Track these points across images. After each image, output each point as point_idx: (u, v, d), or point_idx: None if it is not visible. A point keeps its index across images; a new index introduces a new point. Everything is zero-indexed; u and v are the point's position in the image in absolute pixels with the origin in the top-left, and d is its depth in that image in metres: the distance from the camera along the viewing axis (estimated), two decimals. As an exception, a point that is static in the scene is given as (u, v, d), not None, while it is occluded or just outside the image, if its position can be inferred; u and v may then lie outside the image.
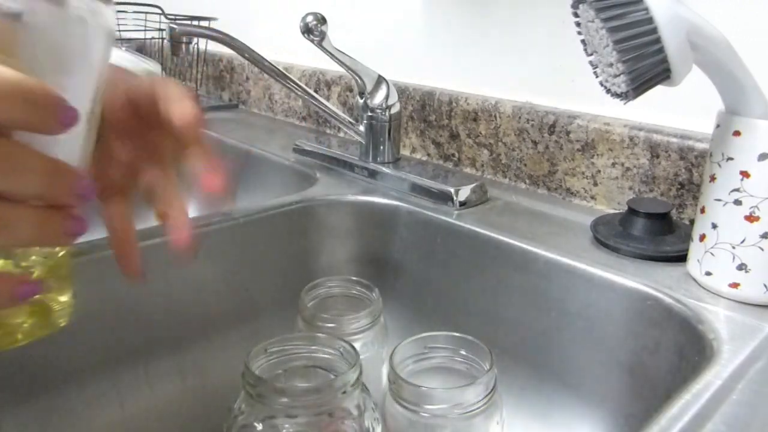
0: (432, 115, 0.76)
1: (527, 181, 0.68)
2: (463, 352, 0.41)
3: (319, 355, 0.37)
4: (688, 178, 0.55)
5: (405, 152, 0.80)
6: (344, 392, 0.33)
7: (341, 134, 0.92)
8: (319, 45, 0.64)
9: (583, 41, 0.42)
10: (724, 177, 0.42)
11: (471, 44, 0.73)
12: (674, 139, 0.55)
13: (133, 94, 0.34)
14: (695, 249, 0.46)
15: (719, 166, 0.43)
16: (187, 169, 0.33)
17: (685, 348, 0.42)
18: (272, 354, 0.36)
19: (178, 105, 0.32)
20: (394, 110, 0.70)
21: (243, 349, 0.35)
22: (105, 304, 0.50)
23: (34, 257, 0.27)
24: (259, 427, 0.32)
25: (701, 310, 0.42)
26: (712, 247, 0.44)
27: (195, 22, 1.01)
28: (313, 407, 0.31)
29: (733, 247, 0.42)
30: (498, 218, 0.58)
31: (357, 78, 0.68)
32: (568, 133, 0.62)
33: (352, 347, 0.36)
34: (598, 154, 0.60)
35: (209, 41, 0.67)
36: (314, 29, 0.63)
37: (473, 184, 0.63)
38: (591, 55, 0.42)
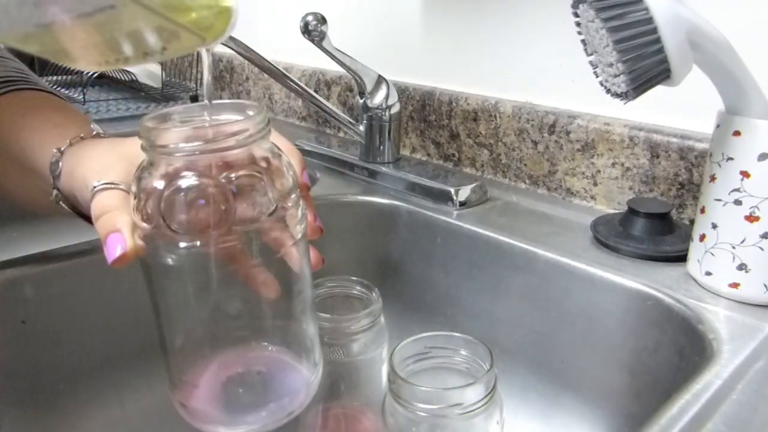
0: (432, 115, 0.76)
1: (527, 181, 0.68)
2: (463, 352, 0.41)
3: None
4: (688, 178, 0.55)
5: (405, 152, 0.80)
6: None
7: (341, 134, 0.92)
8: (319, 45, 0.64)
9: (583, 41, 0.42)
10: (724, 177, 0.42)
11: (471, 44, 0.73)
12: (674, 139, 0.55)
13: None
14: (695, 249, 0.46)
15: (719, 166, 0.43)
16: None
17: (685, 348, 0.42)
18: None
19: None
20: (394, 110, 0.70)
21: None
22: (105, 304, 0.50)
23: None
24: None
25: (701, 310, 0.42)
26: (712, 247, 0.44)
27: (195, 22, 1.01)
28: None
29: (733, 247, 0.42)
30: (498, 218, 0.58)
31: (357, 78, 0.68)
32: (568, 133, 0.62)
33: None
34: (598, 154, 0.60)
35: (209, 41, 0.67)
36: (314, 29, 0.63)
37: (473, 184, 0.62)
38: (591, 55, 0.42)
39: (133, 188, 0.29)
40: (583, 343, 0.50)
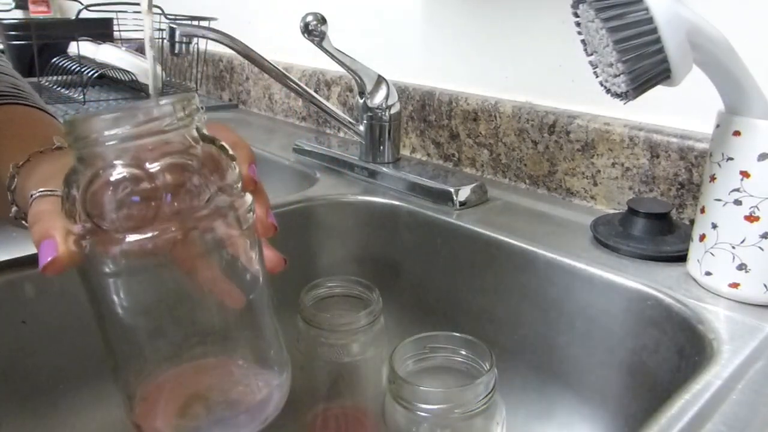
0: (432, 115, 0.76)
1: (527, 181, 0.68)
2: (463, 352, 0.41)
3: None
4: (688, 178, 0.55)
5: (405, 152, 0.80)
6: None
7: (341, 134, 0.92)
8: (319, 45, 0.64)
9: (583, 41, 0.42)
10: (724, 177, 0.42)
11: (471, 44, 0.73)
12: (674, 139, 0.55)
13: None
14: (695, 249, 0.46)
15: (719, 166, 0.43)
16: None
17: (685, 348, 0.42)
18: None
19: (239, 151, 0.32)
20: (394, 110, 0.70)
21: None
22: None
23: None
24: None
25: (701, 310, 0.42)
26: (712, 247, 0.44)
27: (195, 22, 1.01)
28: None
29: (733, 247, 0.42)
30: (498, 218, 0.58)
31: (357, 78, 0.68)
32: (568, 133, 0.62)
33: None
34: (598, 154, 0.60)
35: (209, 41, 0.67)
36: (314, 29, 0.63)
37: (473, 184, 0.63)
38: (591, 55, 0.42)
39: (63, 191, 0.27)
40: (583, 343, 0.50)
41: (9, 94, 0.46)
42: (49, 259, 0.28)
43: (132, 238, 0.26)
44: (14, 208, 0.38)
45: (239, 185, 0.29)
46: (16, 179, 0.37)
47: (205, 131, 0.29)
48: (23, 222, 0.38)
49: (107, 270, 0.27)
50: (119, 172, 0.26)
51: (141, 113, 0.26)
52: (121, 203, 0.26)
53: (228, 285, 0.30)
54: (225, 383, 0.31)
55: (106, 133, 0.26)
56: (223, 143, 0.30)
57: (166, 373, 0.30)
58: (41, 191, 0.32)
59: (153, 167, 0.26)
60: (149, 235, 0.26)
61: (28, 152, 0.38)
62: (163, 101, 0.27)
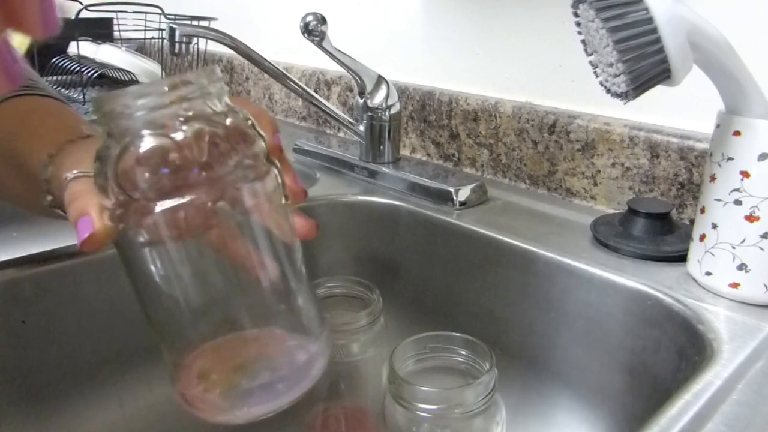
0: (432, 115, 0.76)
1: (527, 181, 0.68)
2: (463, 352, 0.41)
3: None
4: (688, 178, 0.55)
5: (405, 152, 0.80)
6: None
7: (341, 134, 0.92)
8: (319, 45, 0.64)
9: (583, 41, 0.42)
10: (724, 177, 0.42)
11: (471, 44, 0.73)
12: (674, 139, 0.55)
13: None
14: (695, 249, 0.46)
15: (719, 166, 0.43)
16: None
17: (685, 348, 0.42)
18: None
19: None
20: (394, 110, 0.70)
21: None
22: (105, 304, 0.50)
23: None
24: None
25: (701, 310, 0.42)
26: (712, 247, 0.44)
27: (195, 22, 1.01)
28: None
29: (733, 247, 0.42)
30: (498, 218, 0.58)
31: (357, 78, 0.68)
32: (568, 133, 0.62)
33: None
34: (598, 154, 0.60)
35: (209, 41, 0.67)
36: (314, 29, 0.63)
37: (473, 184, 0.63)
38: (591, 55, 0.42)
39: (94, 167, 0.28)
40: (583, 343, 0.50)
41: (26, 85, 0.46)
42: (86, 235, 0.28)
43: (163, 205, 0.26)
44: (49, 198, 0.39)
45: (265, 154, 0.30)
46: (49, 168, 0.38)
47: (228, 101, 0.29)
48: (58, 211, 0.39)
49: (142, 240, 0.27)
50: (147, 141, 0.26)
51: (166, 84, 0.27)
52: (150, 172, 0.26)
53: (261, 254, 0.30)
54: (266, 351, 0.31)
55: (133, 104, 0.26)
56: (248, 113, 0.30)
57: (207, 344, 0.30)
58: (75, 173, 0.33)
59: (180, 135, 0.26)
60: (180, 201, 0.26)
61: (56, 141, 0.39)
62: (187, 73, 0.28)
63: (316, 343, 0.32)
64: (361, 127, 0.71)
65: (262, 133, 0.30)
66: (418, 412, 0.36)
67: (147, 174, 0.26)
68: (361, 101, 0.70)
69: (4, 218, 0.79)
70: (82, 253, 0.48)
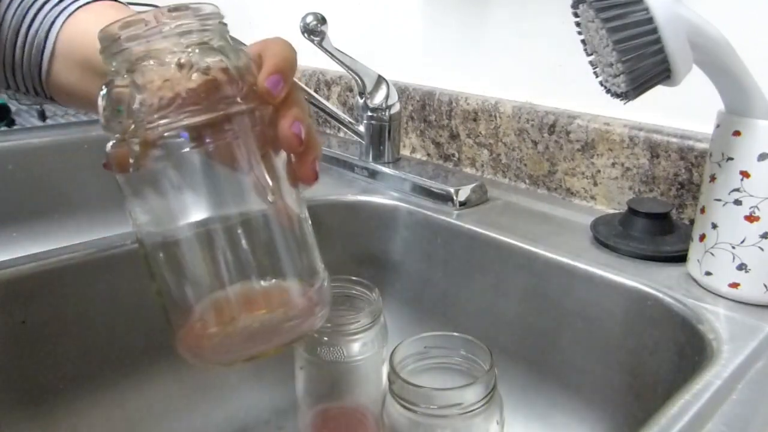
0: (432, 115, 0.76)
1: (527, 181, 0.68)
2: (463, 352, 0.41)
3: None
4: (688, 178, 0.55)
5: (405, 152, 0.80)
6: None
7: (341, 134, 0.92)
8: (319, 45, 0.64)
9: (583, 41, 0.42)
10: (724, 177, 0.42)
11: (471, 44, 0.73)
12: (674, 139, 0.55)
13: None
14: (695, 249, 0.46)
15: (719, 166, 0.43)
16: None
17: (685, 348, 0.42)
18: None
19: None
20: (394, 110, 0.70)
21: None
22: (105, 304, 0.50)
23: None
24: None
25: (701, 310, 0.42)
26: (712, 247, 0.44)
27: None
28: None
29: (733, 247, 0.42)
30: (498, 218, 0.58)
31: (357, 78, 0.68)
32: (568, 133, 0.62)
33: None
34: (598, 154, 0.60)
35: (209, 41, 0.67)
36: (314, 29, 0.63)
37: (473, 184, 0.63)
38: (591, 55, 0.42)
39: (100, 104, 0.28)
40: (583, 343, 0.49)
41: None
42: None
43: (165, 123, 0.27)
44: None
45: (250, 93, 0.29)
46: None
47: (228, 37, 0.30)
48: None
49: (152, 166, 0.28)
50: (147, 67, 0.27)
51: (161, 13, 0.27)
52: (152, 95, 0.27)
53: (259, 176, 0.30)
54: (268, 296, 0.31)
55: (129, 34, 0.27)
56: (243, 49, 0.30)
57: (211, 294, 0.30)
58: None
59: (176, 59, 0.27)
60: (182, 122, 0.27)
61: None
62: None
63: (318, 292, 0.32)
64: (361, 127, 0.71)
65: (255, 72, 0.29)
66: (418, 412, 0.36)
67: (148, 97, 0.27)
68: (361, 101, 0.70)
69: (4, 218, 0.79)
70: (83, 253, 0.48)
